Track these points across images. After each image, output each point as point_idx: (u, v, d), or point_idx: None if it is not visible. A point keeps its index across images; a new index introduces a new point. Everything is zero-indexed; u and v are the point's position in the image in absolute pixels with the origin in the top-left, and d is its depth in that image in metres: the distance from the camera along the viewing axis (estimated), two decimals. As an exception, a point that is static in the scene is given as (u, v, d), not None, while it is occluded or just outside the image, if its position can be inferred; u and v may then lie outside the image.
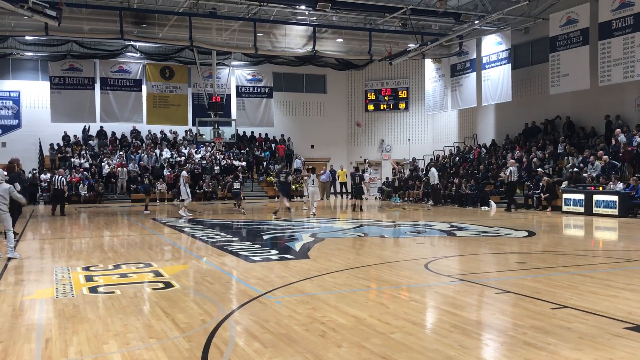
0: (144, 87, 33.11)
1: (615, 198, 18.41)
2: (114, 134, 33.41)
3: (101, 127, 32.96)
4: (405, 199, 28.79)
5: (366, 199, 25.13)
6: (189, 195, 20.72)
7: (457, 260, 10.31)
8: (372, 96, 37.10)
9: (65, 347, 5.06)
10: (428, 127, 35.93)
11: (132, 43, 29.29)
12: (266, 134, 36.54)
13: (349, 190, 28.38)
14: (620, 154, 20.77)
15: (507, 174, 22.15)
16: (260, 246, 11.91)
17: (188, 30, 24.59)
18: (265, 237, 13.88)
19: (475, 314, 6.18)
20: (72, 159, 30.62)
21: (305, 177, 23.02)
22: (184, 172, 21.41)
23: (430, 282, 7.96)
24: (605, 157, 20.81)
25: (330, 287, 7.56)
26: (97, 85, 32.28)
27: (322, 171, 29.27)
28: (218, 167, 32.77)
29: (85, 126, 32.53)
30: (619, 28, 21.04)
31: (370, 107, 37.18)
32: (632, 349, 4.74)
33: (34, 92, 31.77)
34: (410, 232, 15.08)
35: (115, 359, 4.69)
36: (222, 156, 33.76)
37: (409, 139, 35.99)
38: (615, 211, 18.25)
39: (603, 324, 5.50)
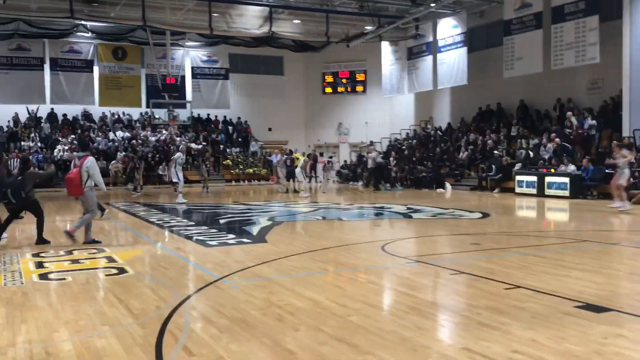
0: (96, 68, 32.16)
1: (566, 180, 18.85)
2: (65, 116, 32.44)
3: (52, 109, 32.00)
4: (360, 182, 28.78)
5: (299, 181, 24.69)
6: (180, 179, 18.97)
7: (413, 242, 10.41)
8: (329, 79, 36.94)
9: (13, 336, 4.90)
10: (386, 110, 36.00)
11: (82, 22, 28.38)
12: (224, 116, 36.09)
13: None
14: (572, 137, 21.24)
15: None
16: (217, 230, 11.79)
17: (141, 10, 23.96)
18: (222, 221, 13.75)
19: (430, 295, 6.25)
20: (22, 142, 29.68)
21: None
22: (180, 155, 19.39)
23: (387, 264, 8.01)
24: (557, 139, 21.27)
25: (288, 270, 7.53)
26: (47, 66, 31.22)
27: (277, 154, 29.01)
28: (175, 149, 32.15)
29: (27, 108, 31.17)
30: (571, 12, 21.40)
31: (328, 89, 37.03)
32: (583, 327, 4.85)
33: (-21, 73, 30.57)
34: (367, 214, 15.15)
35: (66, 348, 4.56)
36: (179, 139, 33.16)
37: (366, 122, 36.06)
38: (567, 192, 18.69)
39: (555, 303, 5.62)
